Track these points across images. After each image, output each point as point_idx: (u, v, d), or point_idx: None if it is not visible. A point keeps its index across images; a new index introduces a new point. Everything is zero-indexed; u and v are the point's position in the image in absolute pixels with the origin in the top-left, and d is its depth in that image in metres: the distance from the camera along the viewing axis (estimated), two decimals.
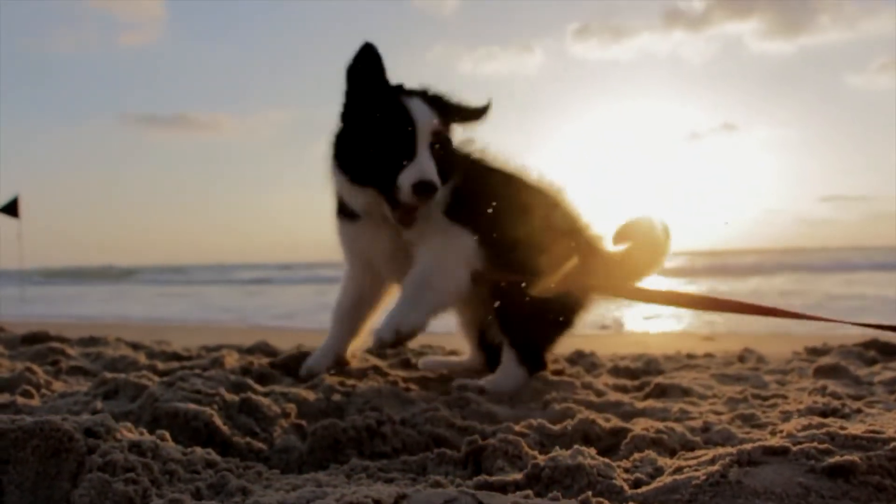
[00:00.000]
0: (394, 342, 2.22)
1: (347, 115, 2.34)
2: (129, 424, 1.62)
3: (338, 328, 2.71)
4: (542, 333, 2.57)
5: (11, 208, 12.28)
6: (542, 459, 1.39)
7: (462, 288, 2.35)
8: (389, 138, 2.20)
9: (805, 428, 1.60)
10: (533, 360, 2.49)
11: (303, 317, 9.11)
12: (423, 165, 2.16)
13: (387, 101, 2.25)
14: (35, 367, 2.54)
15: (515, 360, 2.45)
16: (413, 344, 3.75)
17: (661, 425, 1.80)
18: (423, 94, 2.31)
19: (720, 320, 7.47)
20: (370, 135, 2.24)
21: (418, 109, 2.23)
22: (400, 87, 2.32)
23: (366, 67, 2.27)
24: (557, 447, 1.49)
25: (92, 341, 3.68)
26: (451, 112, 2.35)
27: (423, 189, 2.14)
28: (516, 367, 2.44)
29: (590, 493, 1.26)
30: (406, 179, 2.15)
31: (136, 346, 3.65)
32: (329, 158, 2.37)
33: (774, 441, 1.42)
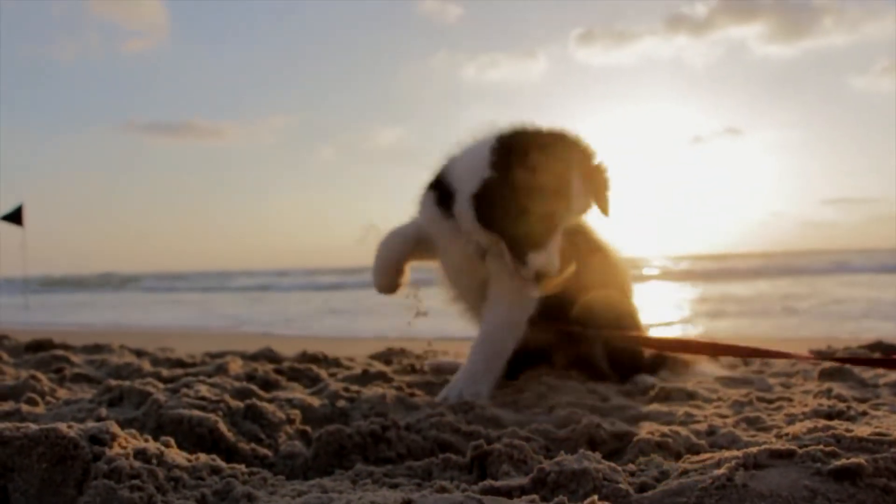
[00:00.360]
0: (458, 405, 2.25)
1: (497, 179, 2.35)
2: (133, 431, 1.62)
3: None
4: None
5: (16, 216, 12.31)
6: (547, 464, 1.39)
7: (520, 337, 2.59)
8: (532, 220, 2.31)
9: (810, 431, 1.60)
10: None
11: (303, 323, 9.11)
12: (552, 256, 2.32)
13: (541, 179, 2.30)
14: (39, 375, 2.55)
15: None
16: (417, 349, 3.76)
17: (665, 429, 1.80)
18: (582, 152, 2.41)
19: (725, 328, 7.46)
20: (514, 210, 2.32)
21: (567, 195, 2.33)
22: (555, 157, 2.36)
23: (522, 152, 2.34)
24: (563, 451, 1.49)
25: (96, 349, 3.69)
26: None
27: (543, 277, 2.33)
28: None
29: (595, 496, 1.26)
30: (534, 262, 2.31)
31: (140, 353, 3.65)
32: (465, 198, 2.42)
33: (780, 444, 1.41)
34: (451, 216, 2.50)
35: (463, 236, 2.50)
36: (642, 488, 1.35)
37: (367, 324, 8.95)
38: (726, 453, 1.44)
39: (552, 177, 2.31)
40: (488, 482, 1.38)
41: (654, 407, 2.25)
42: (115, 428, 1.50)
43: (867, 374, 2.80)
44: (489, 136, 2.46)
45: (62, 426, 1.43)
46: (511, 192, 2.32)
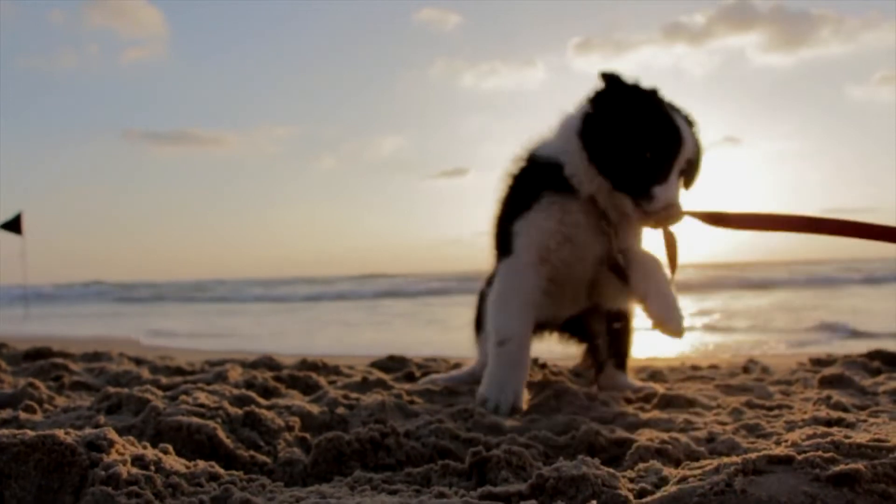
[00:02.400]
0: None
1: (611, 112, 2.32)
2: (131, 438, 1.62)
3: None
4: None
5: (14, 225, 12.31)
6: (546, 470, 1.38)
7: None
8: (655, 151, 2.26)
9: (810, 437, 1.60)
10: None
11: (300, 336, 9.08)
12: (676, 190, 2.28)
13: (658, 112, 2.29)
14: (38, 383, 2.54)
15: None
16: (418, 358, 3.75)
17: (665, 436, 1.80)
18: (684, 116, 2.37)
19: (723, 339, 7.45)
20: (635, 140, 2.26)
21: (685, 133, 2.30)
22: (663, 100, 2.35)
23: (623, 84, 2.32)
24: (562, 458, 1.49)
25: (95, 357, 3.69)
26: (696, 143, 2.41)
27: (673, 212, 2.28)
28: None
29: (594, 502, 1.26)
30: (662, 194, 2.24)
31: (139, 361, 3.65)
32: (575, 143, 2.36)
33: (779, 450, 1.41)
34: (562, 193, 2.39)
35: (579, 207, 2.39)
36: (641, 494, 1.34)
37: (372, 336, 8.93)
38: (725, 459, 1.43)
39: (663, 114, 2.28)
40: (487, 488, 1.38)
41: (654, 414, 2.25)
42: (112, 434, 1.50)
43: (867, 381, 2.80)
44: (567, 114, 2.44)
45: (59, 432, 1.43)
46: (623, 124, 2.27)
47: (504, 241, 2.52)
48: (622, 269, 2.41)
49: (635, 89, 2.31)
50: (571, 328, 2.97)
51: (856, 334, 6.81)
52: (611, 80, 2.32)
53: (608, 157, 2.30)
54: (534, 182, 2.47)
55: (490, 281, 2.76)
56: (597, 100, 2.34)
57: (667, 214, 2.28)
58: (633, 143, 2.26)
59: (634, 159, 2.26)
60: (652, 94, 2.32)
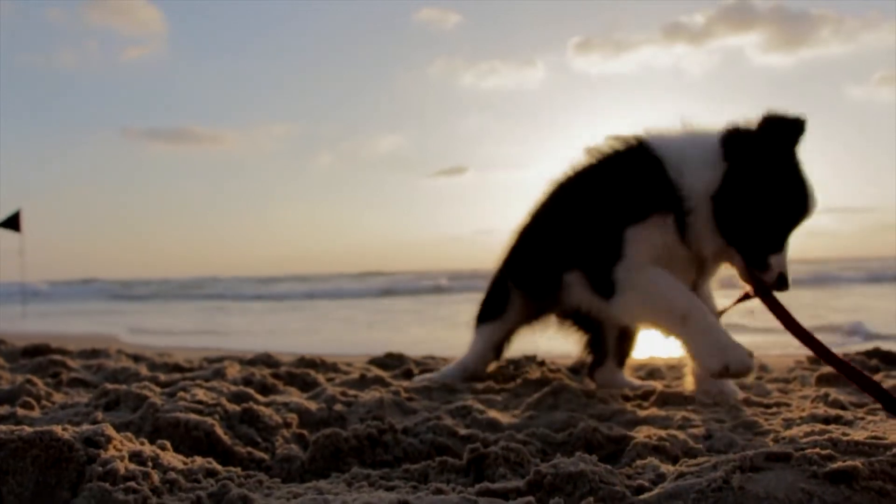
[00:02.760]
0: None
1: (751, 174, 2.21)
2: (129, 434, 1.62)
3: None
4: None
5: (13, 222, 12.30)
6: (543, 466, 1.38)
7: None
8: (787, 222, 2.21)
9: (807, 434, 1.60)
10: None
11: (298, 334, 9.06)
12: (787, 256, 2.22)
13: (797, 184, 2.21)
14: (35, 380, 2.54)
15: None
16: (415, 356, 3.75)
17: (663, 433, 1.80)
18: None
19: None
20: (771, 213, 2.20)
21: (813, 203, 2.22)
22: (801, 169, 2.24)
23: (786, 139, 2.22)
24: (559, 455, 1.49)
25: (93, 353, 3.68)
26: None
27: (783, 285, 2.22)
28: None
29: (591, 498, 1.26)
30: (777, 264, 2.20)
31: (137, 358, 3.65)
32: (704, 197, 2.25)
33: (777, 447, 1.41)
34: (676, 221, 2.29)
35: (683, 241, 2.30)
36: (639, 491, 1.34)
37: (370, 334, 8.93)
38: (723, 456, 1.43)
39: (802, 181, 2.19)
40: (485, 485, 1.38)
41: (652, 411, 2.24)
42: (110, 430, 1.50)
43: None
44: (705, 129, 2.32)
45: (57, 429, 1.42)
46: (761, 196, 2.18)
47: (605, 231, 2.39)
48: None
49: (781, 145, 2.19)
50: (578, 318, 2.88)
51: (870, 336, 6.62)
52: (767, 129, 2.20)
53: (735, 226, 2.23)
54: (650, 192, 2.33)
55: (511, 262, 2.83)
56: (739, 156, 2.21)
57: (774, 284, 2.23)
58: (768, 215, 2.20)
59: (762, 231, 2.21)
60: (793, 153, 2.22)
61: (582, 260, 2.50)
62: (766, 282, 2.23)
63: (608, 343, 2.88)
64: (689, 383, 2.62)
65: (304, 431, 1.97)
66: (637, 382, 2.87)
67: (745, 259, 2.26)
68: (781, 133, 2.20)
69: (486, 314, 2.98)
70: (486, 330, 2.97)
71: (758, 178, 2.19)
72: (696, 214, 2.27)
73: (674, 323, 2.23)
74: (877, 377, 2.86)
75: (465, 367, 2.96)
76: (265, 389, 2.55)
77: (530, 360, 3.34)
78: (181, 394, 2.10)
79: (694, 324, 2.19)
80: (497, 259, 2.99)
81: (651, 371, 3.34)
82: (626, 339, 2.88)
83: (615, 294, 2.37)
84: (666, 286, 2.28)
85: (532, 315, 2.93)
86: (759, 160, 2.20)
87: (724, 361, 2.09)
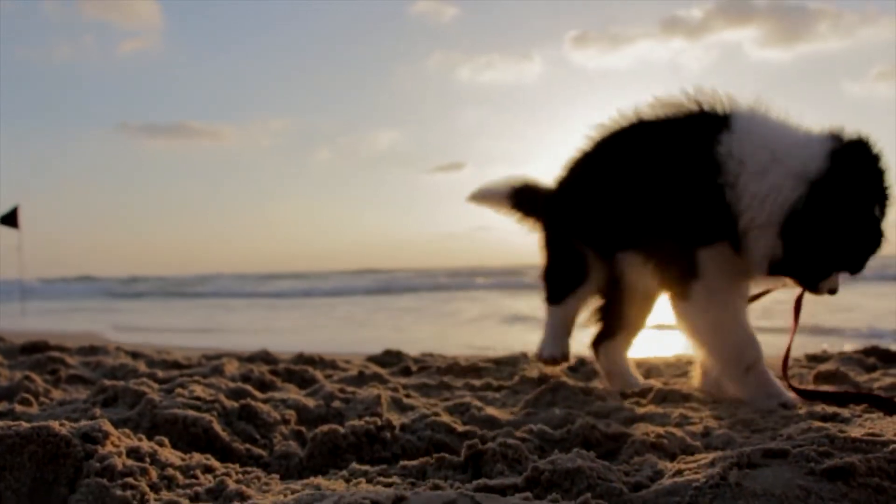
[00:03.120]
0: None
1: (834, 201, 2.03)
2: (127, 431, 1.62)
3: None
4: None
5: (11, 219, 12.29)
6: (541, 462, 1.38)
7: None
8: (856, 253, 2.12)
9: (804, 431, 1.60)
10: None
11: (295, 331, 9.05)
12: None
13: (874, 221, 2.10)
14: (34, 376, 2.54)
15: None
16: (414, 352, 3.75)
17: (661, 430, 1.80)
18: None
19: None
20: (842, 252, 2.11)
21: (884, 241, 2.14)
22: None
23: (875, 168, 2.09)
24: (557, 451, 1.49)
25: (91, 350, 3.68)
26: None
27: (833, 292, 2.21)
28: None
29: (589, 495, 1.26)
30: (825, 287, 2.17)
31: (135, 355, 3.65)
32: (772, 226, 2.09)
33: (774, 444, 1.41)
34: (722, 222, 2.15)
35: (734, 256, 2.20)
36: (636, 487, 1.35)
37: (367, 331, 8.92)
38: (721, 453, 1.43)
39: (877, 220, 2.09)
40: (482, 481, 1.38)
41: (650, 409, 2.25)
42: (107, 426, 1.50)
43: (862, 377, 2.80)
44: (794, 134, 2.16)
45: (54, 424, 1.42)
46: (835, 233, 2.05)
47: (679, 246, 2.27)
48: None
49: (865, 180, 2.06)
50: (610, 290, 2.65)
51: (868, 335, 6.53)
52: (852, 158, 2.05)
53: (801, 261, 2.12)
54: (718, 214, 2.16)
55: (579, 217, 2.55)
56: (819, 190, 2.03)
57: (831, 293, 2.20)
58: (838, 254, 2.11)
59: (828, 266, 2.14)
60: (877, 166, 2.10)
61: (652, 246, 2.36)
62: (821, 292, 2.20)
63: (625, 315, 2.66)
64: (695, 379, 2.60)
65: (303, 428, 1.97)
66: (640, 381, 2.75)
67: (799, 281, 2.20)
68: (875, 161, 2.09)
69: (565, 285, 2.65)
70: (570, 302, 2.65)
71: (852, 206, 2.05)
72: (762, 244, 2.13)
73: (736, 369, 2.28)
74: (875, 374, 2.87)
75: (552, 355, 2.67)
76: (263, 386, 2.55)
77: (528, 357, 3.35)
78: (179, 390, 2.10)
79: (755, 376, 2.26)
80: (550, 217, 2.71)
81: (648, 368, 3.34)
82: (642, 315, 2.69)
83: (685, 303, 2.30)
84: (741, 330, 2.27)
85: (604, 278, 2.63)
86: (861, 186, 2.06)
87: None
